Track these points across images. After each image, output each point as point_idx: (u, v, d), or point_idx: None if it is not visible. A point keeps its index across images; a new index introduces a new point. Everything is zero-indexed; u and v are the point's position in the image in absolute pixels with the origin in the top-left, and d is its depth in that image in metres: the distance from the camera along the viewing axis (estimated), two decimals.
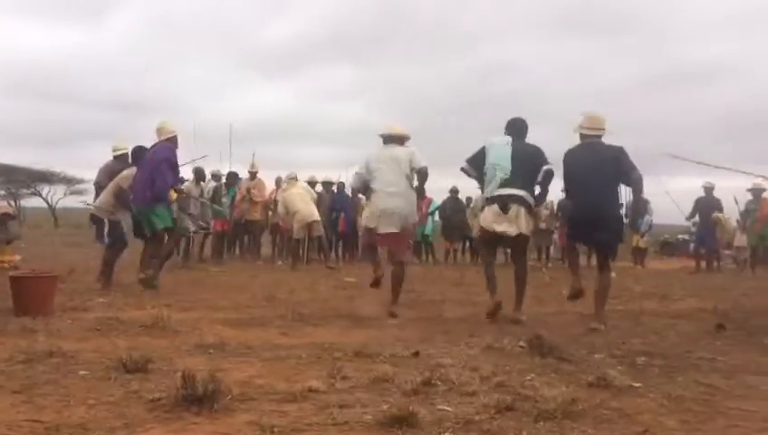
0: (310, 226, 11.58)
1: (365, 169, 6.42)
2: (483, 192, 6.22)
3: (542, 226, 15.66)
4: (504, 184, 5.91)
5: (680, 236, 19.87)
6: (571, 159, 5.95)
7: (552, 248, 15.82)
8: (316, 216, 11.69)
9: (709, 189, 13.44)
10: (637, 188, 5.73)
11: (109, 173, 9.37)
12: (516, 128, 6.23)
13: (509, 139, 6.11)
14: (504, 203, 5.91)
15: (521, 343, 4.44)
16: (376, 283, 6.56)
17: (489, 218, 6.02)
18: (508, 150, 5.99)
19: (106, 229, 7.82)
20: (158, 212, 7.59)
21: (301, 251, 12.48)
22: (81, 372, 3.51)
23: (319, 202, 13.71)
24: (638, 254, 15.27)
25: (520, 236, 6.00)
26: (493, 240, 6.28)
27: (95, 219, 8.10)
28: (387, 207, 6.23)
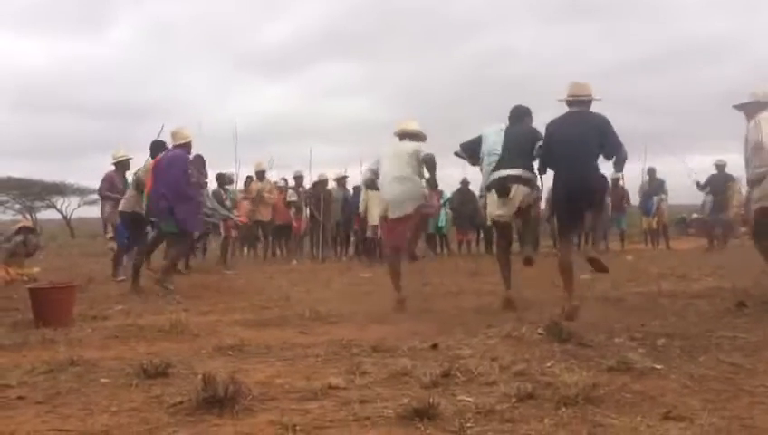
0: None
1: (375, 165, 6.51)
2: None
3: None
4: (497, 166, 5.92)
5: (695, 215, 19.71)
6: (552, 128, 5.74)
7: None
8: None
9: (721, 166, 13.29)
10: (619, 168, 5.74)
11: (109, 181, 9.60)
12: (516, 114, 6.23)
13: (503, 125, 6.13)
14: (500, 186, 5.90)
15: (539, 331, 4.42)
16: (400, 305, 6.21)
17: (491, 206, 6.07)
18: (501, 135, 6.02)
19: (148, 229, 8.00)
20: (172, 217, 7.61)
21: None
22: (103, 380, 3.53)
23: (331, 198, 13.76)
24: (653, 235, 15.15)
25: (519, 211, 5.98)
26: (500, 226, 6.28)
27: (128, 219, 8.18)
28: (393, 193, 6.27)
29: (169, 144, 7.97)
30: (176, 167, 7.57)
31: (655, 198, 14.67)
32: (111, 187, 9.58)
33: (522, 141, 5.95)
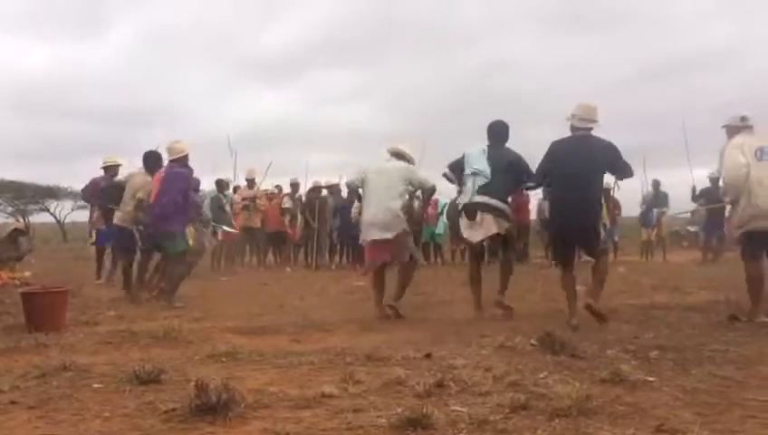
0: None
1: (360, 177, 6.56)
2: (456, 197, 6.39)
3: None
4: (477, 192, 6.02)
5: (689, 228, 19.78)
6: (558, 149, 5.77)
7: None
8: None
9: (715, 180, 13.32)
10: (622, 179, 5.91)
11: (93, 185, 9.81)
12: (495, 132, 6.27)
13: (485, 146, 6.18)
14: (471, 211, 6.04)
15: (532, 342, 4.42)
16: (382, 315, 6.31)
17: (462, 226, 6.19)
18: (483, 157, 6.09)
19: (137, 236, 7.90)
20: (175, 237, 7.53)
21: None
22: (96, 386, 3.52)
23: (325, 206, 13.76)
24: (649, 247, 15.20)
25: (496, 236, 6.09)
26: (471, 246, 6.41)
27: (124, 232, 8.14)
28: (371, 216, 6.36)
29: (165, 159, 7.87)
30: (176, 188, 7.46)
31: (655, 211, 14.72)
32: (95, 191, 9.65)
33: (503, 170, 6.05)
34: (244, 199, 13.52)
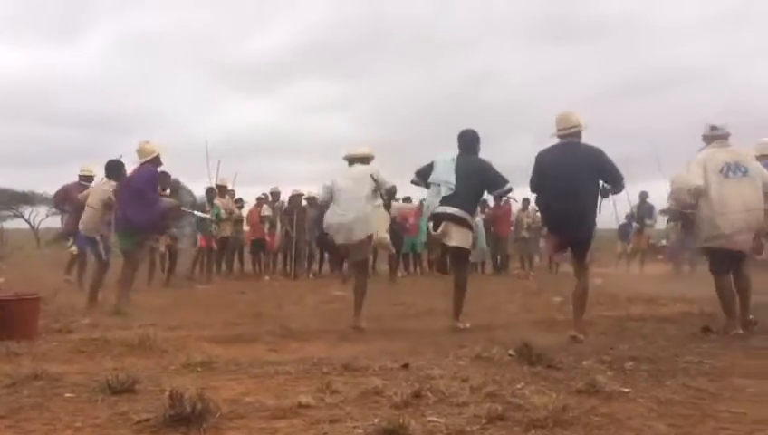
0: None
1: (330, 185, 6.59)
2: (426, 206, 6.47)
3: (525, 234, 15.77)
4: (443, 202, 6.08)
5: (663, 241, 20.04)
6: (545, 159, 5.79)
7: (537, 257, 15.92)
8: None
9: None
10: (619, 191, 5.80)
11: (64, 192, 9.89)
12: (465, 141, 6.34)
13: (453, 155, 6.25)
14: (437, 221, 6.10)
15: (510, 352, 4.43)
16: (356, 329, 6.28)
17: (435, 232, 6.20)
18: (451, 166, 6.15)
19: (101, 246, 7.79)
20: (132, 234, 7.48)
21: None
22: (67, 395, 3.46)
23: (305, 215, 13.71)
24: (627, 259, 15.35)
25: (458, 248, 6.16)
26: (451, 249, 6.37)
27: (89, 241, 8.04)
28: (340, 222, 6.40)
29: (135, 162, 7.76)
30: (141, 180, 7.42)
31: (634, 225, 14.86)
32: (65, 199, 9.58)
33: (470, 179, 6.11)
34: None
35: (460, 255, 6.32)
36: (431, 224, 6.21)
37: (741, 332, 5.49)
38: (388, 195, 6.67)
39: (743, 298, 5.68)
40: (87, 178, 9.71)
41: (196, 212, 11.61)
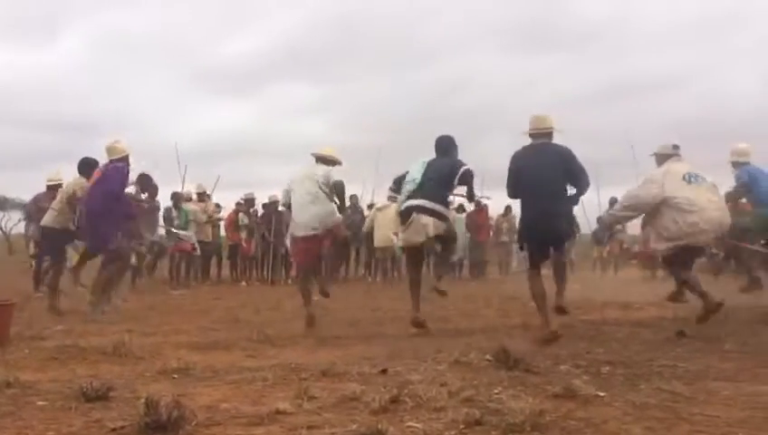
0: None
1: (288, 189, 6.72)
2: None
3: (505, 238, 15.88)
4: (409, 196, 6.14)
5: (636, 247, 20.26)
6: (518, 161, 5.88)
7: (515, 261, 16.02)
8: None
9: None
10: (582, 193, 5.88)
11: (36, 201, 9.82)
12: (441, 146, 6.39)
13: (427, 159, 6.30)
14: (405, 215, 6.14)
15: (487, 357, 4.45)
16: (309, 321, 6.52)
17: (402, 231, 6.26)
18: (422, 167, 6.20)
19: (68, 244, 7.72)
20: (104, 234, 7.38)
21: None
22: (40, 403, 3.40)
23: (281, 219, 13.64)
24: (603, 264, 15.51)
25: (434, 238, 6.17)
26: (409, 250, 6.45)
27: (54, 232, 7.91)
28: (301, 213, 6.52)
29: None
30: (109, 181, 7.35)
31: (616, 227, 14.98)
32: (39, 208, 9.45)
33: (441, 174, 6.16)
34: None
35: (442, 242, 6.36)
36: (399, 220, 6.25)
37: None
38: (338, 191, 6.61)
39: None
40: (55, 188, 9.43)
41: (173, 229, 11.60)
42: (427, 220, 6.05)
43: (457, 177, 6.15)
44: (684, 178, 5.98)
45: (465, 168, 6.16)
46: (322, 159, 6.77)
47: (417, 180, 6.12)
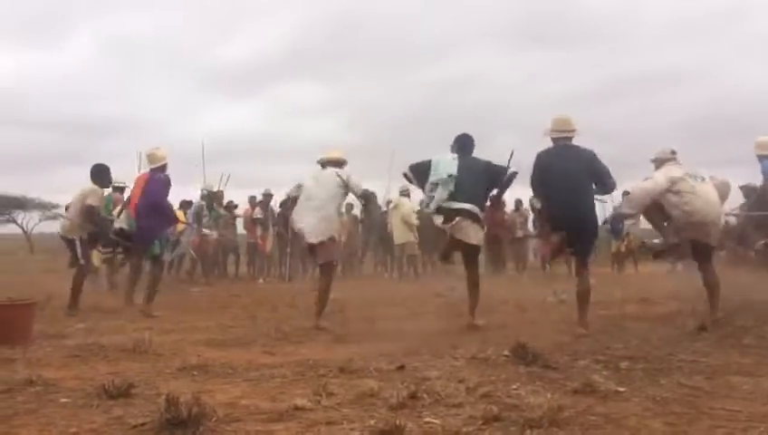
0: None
1: (300, 184, 6.67)
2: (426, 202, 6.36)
3: (519, 233, 15.79)
4: (451, 197, 6.07)
5: (655, 240, 20.08)
6: (544, 161, 5.92)
7: (531, 255, 15.92)
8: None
9: None
10: (609, 193, 6.02)
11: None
12: (461, 144, 6.37)
13: (455, 156, 6.25)
14: (449, 215, 6.07)
15: (505, 353, 4.44)
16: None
17: (440, 225, 6.18)
18: (455, 165, 6.15)
19: (80, 250, 7.73)
20: (154, 240, 7.59)
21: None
22: (63, 400, 3.45)
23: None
24: (620, 259, 15.35)
25: (470, 245, 6.19)
26: (466, 251, 6.38)
27: (67, 242, 7.99)
28: (306, 221, 6.45)
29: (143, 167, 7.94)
30: (155, 195, 7.51)
31: (626, 222, 14.86)
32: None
33: (475, 176, 6.14)
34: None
35: (474, 253, 6.38)
36: (440, 218, 6.14)
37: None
38: (365, 199, 6.73)
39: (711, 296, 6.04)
40: (121, 190, 10.04)
41: (205, 230, 11.77)
42: (471, 228, 6.10)
43: (505, 178, 6.21)
44: (684, 175, 5.99)
45: (513, 170, 6.22)
46: (331, 163, 6.72)
47: (454, 178, 6.06)
